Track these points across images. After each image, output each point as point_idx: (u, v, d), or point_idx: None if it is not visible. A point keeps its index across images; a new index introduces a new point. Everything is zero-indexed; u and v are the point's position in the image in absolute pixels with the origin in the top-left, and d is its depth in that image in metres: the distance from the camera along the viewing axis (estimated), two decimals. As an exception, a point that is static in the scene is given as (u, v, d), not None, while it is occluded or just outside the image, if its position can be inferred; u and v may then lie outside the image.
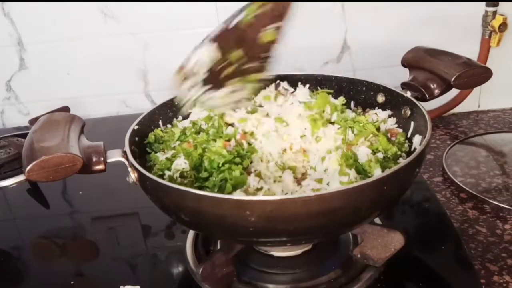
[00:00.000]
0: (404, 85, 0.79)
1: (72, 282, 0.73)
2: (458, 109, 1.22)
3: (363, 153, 0.68)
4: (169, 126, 0.82)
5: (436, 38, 1.11)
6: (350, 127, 0.74)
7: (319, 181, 0.65)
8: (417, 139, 0.71)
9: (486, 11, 1.11)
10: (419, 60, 0.81)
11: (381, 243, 0.68)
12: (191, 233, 0.79)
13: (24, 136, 1.06)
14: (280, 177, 0.66)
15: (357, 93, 0.84)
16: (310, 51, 1.16)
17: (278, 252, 0.73)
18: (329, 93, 0.82)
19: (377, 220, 0.77)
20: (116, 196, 0.93)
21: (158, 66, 1.22)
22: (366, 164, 0.66)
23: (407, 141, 0.74)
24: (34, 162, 0.58)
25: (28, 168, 0.58)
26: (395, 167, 0.57)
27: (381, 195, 0.58)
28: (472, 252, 0.75)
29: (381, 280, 0.68)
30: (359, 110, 0.84)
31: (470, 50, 1.15)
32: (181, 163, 0.68)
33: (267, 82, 0.88)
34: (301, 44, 1.15)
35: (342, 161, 0.66)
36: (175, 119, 0.84)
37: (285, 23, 0.59)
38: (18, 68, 1.23)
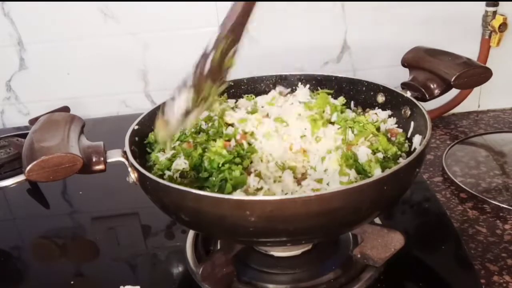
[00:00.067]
0: (404, 85, 0.79)
1: (72, 282, 0.73)
2: (458, 109, 1.22)
3: (363, 153, 0.68)
4: (169, 126, 0.82)
5: (436, 38, 1.11)
6: (350, 127, 0.74)
7: (319, 181, 0.65)
8: (417, 139, 0.71)
9: (486, 11, 1.11)
10: (419, 60, 0.81)
11: (381, 243, 0.68)
12: (191, 233, 0.79)
13: (24, 136, 1.06)
14: (280, 177, 0.66)
15: (357, 93, 0.84)
16: (310, 51, 1.16)
17: (278, 252, 0.73)
18: (329, 94, 0.82)
19: (377, 220, 0.77)
20: (116, 196, 0.93)
21: (158, 66, 1.22)
22: (366, 164, 0.66)
23: (407, 141, 0.74)
24: (34, 162, 0.58)
25: (28, 168, 0.58)
26: (395, 167, 0.57)
27: (381, 195, 0.58)
28: (472, 252, 0.75)
29: (381, 280, 0.68)
30: (359, 110, 0.84)
31: (470, 50, 1.15)
32: (181, 163, 0.68)
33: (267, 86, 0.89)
34: (301, 44, 1.15)
35: (342, 161, 0.66)
36: (175, 119, 0.84)
37: (239, 45, 0.64)
38: (18, 68, 1.23)
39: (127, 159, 0.65)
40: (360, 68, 1.21)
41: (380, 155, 0.69)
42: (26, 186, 1.01)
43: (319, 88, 0.87)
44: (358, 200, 0.56)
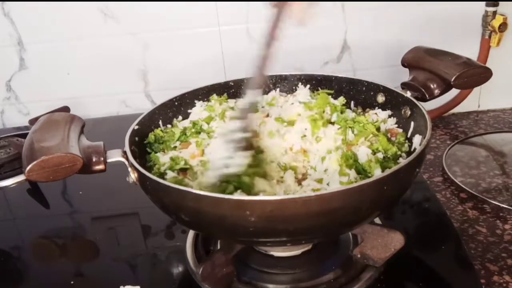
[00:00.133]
0: (404, 85, 0.79)
1: (72, 282, 0.73)
2: (458, 109, 1.22)
3: (363, 153, 0.68)
4: (169, 126, 0.82)
5: (436, 38, 1.11)
6: (350, 127, 0.75)
7: (319, 181, 0.65)
8: (417, 139, 0.71)
9: (486, 11, 1.11)
10: (419, 60, 0.81)
11: (381, 243, 0.68)
12: (191, 233, 0.79)
13: (24, 136, 1.06)
14: (282, 177, 0.66)
15: (357, 93, 0.84)
16: (310, 51, 1.16)
17: (278, 252, 0.73)
18: (329, 94, 0.82)
19: (377, 220, 0.77)
20: (116, 196, 0.93)
21: (158, 66, 1.22)
22: (366, 164, 0.66)
23: (407, 141, 0.74)
24: (34, 162, 0.58)
25: (28, 168, 0.58)
26: (395, 167, 0.57)
27: (381, 195, 0.58)
28: (472, 252, 0.75)
29: (381, 280, 0.68)
30: (359, 110, 0.84)
31: (470, 50, 1.15)
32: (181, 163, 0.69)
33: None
34: (301, 44, 1.15)
35: (342, 161, 0.66)
36: (175, 119, 0.84)
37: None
38: (18, 68, 1.23)
39: (127, 159, 0.65)
40: (360, 68, 1.21)
41: (380, 155, 0.69)
42: (26, 186, 1.01)
43: (319, 88, 0.87)
44: (358, 200, 0.56)
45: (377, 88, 0.82)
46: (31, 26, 1.18)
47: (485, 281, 0.69)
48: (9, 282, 0.77)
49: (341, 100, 0.82)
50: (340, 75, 0.86)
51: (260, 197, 0.59)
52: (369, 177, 0.63)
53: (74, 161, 0.59)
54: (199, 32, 1.18)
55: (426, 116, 0.69)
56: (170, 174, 0.68)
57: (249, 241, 0.67)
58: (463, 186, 0.91)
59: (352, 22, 1.15)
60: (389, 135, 0.75)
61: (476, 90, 1.20)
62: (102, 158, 0.64)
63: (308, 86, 0.86)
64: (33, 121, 1.02)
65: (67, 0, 1.14)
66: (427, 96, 0.76)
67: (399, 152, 0.71)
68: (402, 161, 0.63)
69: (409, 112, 0.76)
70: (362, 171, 0.66)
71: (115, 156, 0.65)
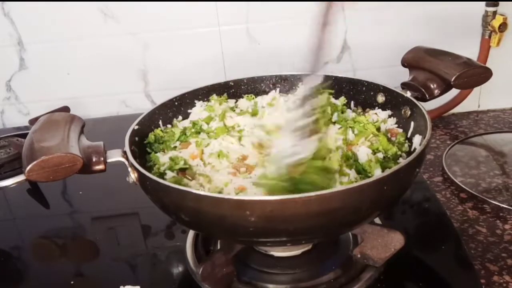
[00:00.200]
0: (404, 85, 0.79)
1: (72, 282, 0.73)
2: (458, 109, 1.22)
3: (363, 153, 0.68)
4: (169, 126, 0.82)
5: (436, 38, 1.11)
6: (350, 127, 0.74)
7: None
8: (417, 139, 0.71)
9: (486, 11, 1.11)
10: (419, 60, 0.81)
11: (381, 243, 0.68)
12: (191, 233, 0.79)
13: (24, 136, 1.06)
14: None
15: (357, 93, 0.84)
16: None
17: (278, 252, 0.73)
18: (329, 94, 0.82)
19: (377, 220, 0.77)
20: (116, 196, 0.93)
21: (158, 66, 1.22)
22: (366, 164, 0.66)
23: (407, 141, 0.74)
24: (34, 162, 0.58)
25: (28, 168, 0.58)
26: (395, 167, 0.57)
27: (381, 195, 0.58)
28: (472, 252, 0.75)
29: (381, 280, 0.68)
30: (359, 110, 0.84)
31: (470, 50, 1.15)
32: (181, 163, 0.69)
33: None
34: (301, 44, 1.15)
35: (342, 161, 0.66)
36: (175, 119, 0.84)
37: None
38: (18, 68, 1.23)
39: (127, 159, 0.65)
40: (360, 68, 1.21)
41: (380, 155, 0.69)
42: (26, 186, 1.01)
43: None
44: (358, 200, 0.56)
45: (377, 88, 0.82)
46: (31, 26, 1.18)
47: (485, 281, 0.69)
48: (9, 282, 0.77)
49: (342, 100, 0.82)
50: (340, 75, 0.86)
51: (260, 197, 0.58)
52: (369, 177, 0.62)
53: (74, 161, 0.59)
54: (199, 32, 1.18)
55: (426, 116, 0.69)
56: (170, 174, 0.68)
57: (249, 241, 0.67)
58: (463, 186, 0.91)
59: (352, 22, 1.15)
60: (389, 135, 0.75)
61: (476, 90, 1.20)
62: (102, 158, 0.64)
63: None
64: (33, 121, 1.03)
65: (67, 0, 1.14)
66: (427, 96, 0.76)
67: (399, 152, 0.71)
68: (402, 161, 0.63)
69: (409, 112, 0.76)
70: (362, 171, 0.66)
71: (115, 156, 0.65)
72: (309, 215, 0.55)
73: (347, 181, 0.63)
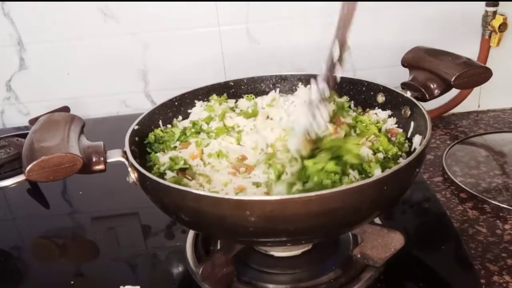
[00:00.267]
0: (404, 85, 0.79)
1: (72, 282, 0.73)
2: (458, 109, 1.22)
3: (364, 153, 0.68)
4: (169, 126, 0.82)
5: (436, 38, 1.11)
6: (352, 126, 0.74)
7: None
8: (417, 139, 0.71)
9: (486, 11, 1.11)
10: (419, 60, 0.81)
11: (381, 243, 0.68)
12: (191, 233, 0.79)
13: (24, 136, 1.06)
14: None
15: (357, 93, 0.84)
16: (310, 51, 1.16)
17: (278, 252, 0.73)
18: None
19: (377, 220, 0.77)
20: (116, 196, 0.93)
21: (158, 66, 1.22)
22: (366, 164, 0.66)
23: (407, 141, 0.74)
24: (34, 162, 0.58)
25: (28, 168, 0.58)
26: (395, 167, 0.57)
27: (381, 195, 0.58)
28: (472, 252, 0.75)
29: (381, 280, 0.68)
30: (359, 110, 0.84)
31: (470, 50, 1.15)
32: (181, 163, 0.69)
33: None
34: (301, 44, 1.15)
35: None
36: (175, 119, 0.84)
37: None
38: (18, 68, 1.23)
39: (127, 159, 0.65)
40: (360, 68, 1.20)
41: (380, 155, 0.69)
42: (26, 186, 1.01)
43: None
44: (358, 200, 0.56)
45: (377, 88, 0.82)
46: (31, 26, 1.18)
47: (485, 281, 0.69)
48: (9, 282, 0.77)
49: (345, 99, 0.82)
50: (340, 75, 0.86)
51: (260, 197, 0.59)
52: (369, 177, 0.62)
53: (74, 161, 0.59)
54: (199, 32, 1.18)
55: (426, 116, 0.69)
56: (170, 174, 0.68)
57: (249, 241, 0.67)
58: (463, 186, 0.91)
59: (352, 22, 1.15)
60: (389, 135, 0.75)
61: (476, 90, 1.20)
62: (102, 158, 0.64)
63: (308, 86, 0.86)
64: (33, 121, 1.03)
65: (67, 0, 1.14)
66: (427, 96, 0.76)
67: (399, 152, 0.71)
68: (402, 161, 0.63)
69: (409, 112, 0.76)
70: (362, 171, 0.66)
71: (115, 156, 0.65)
72: (309, 215, 0.55)
73: (347, 181, 0.63)
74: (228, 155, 0.71)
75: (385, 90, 0.80)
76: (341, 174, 0.63)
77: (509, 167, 0.99)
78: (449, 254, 0.74)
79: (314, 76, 0.68)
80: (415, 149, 0.71)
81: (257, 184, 0.64)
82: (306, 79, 0.88)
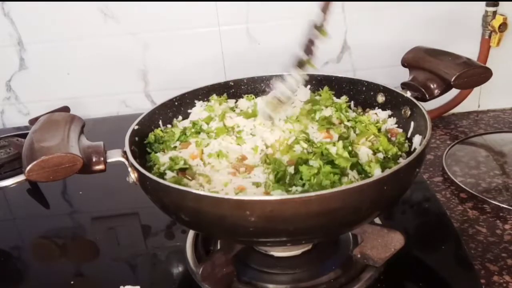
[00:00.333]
0: (404, 85, 0.79)
1: (72, 282, 0.73)
2: (458, 109, 1.22)
3: (363, 153, 0.68)
4: (169, 126, 0.82)
5: (436, 38, 1.11)
6: (352, 127, 0.74)
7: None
8: (417, 139, 0.71)
9: (486, 11, 1.11)
10: (419, 60, 0.81)
11: (381, 243, 0.68)
12: (191, 233, 0.79)
13: (24, 136, 1.06)
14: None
15: (357, 93, 0.84)
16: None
17: (278, 252, 0.73)
18: (330, 93, 0.83)
19: (377, 220, 0.77)
20: (116, 196, 0.93)
21: (158, 66, 1.22)
22: (366, 164, 0.66)
23: (407, 141, 0.74)
24: (34, 162, 0.58)
25: (28, 168, 0.58)
26: (395, 167, 0.57)
27: (381, 195, 0.58)
28: (472, 252, 0.75)
29: (381, 280, 0.68)
30: (359, 110, 0.84)
31: (470, 50, 1.15)
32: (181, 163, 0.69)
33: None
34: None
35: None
36: (175, 119, 0.84)
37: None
38: (18, 68, 1.23)
39: (127, 159, 0.65)
40: (360, 68, 1.21)
41: (380, 155, 0.69)
42: (26, 186, 1.01)
43: (319, 88, 0.87)
44: (358, 200, 0.56)
45: (377, 88, 0.82)
46: (31, 26, 1.18)
47: (485, 281, 0.69)
48: (9, 282, 0.77)
49: (344, 99, 0.82)
50: (340, 75, 0.86)
51: (260, 197, 0.59)
52: (369, 177, 0.62)
53: (74, 161, 0.59)
54: (199, 32, 1.18)
55: (426, 116, 0.69)
56: (170, 174, 0.68)
57: (249, 241, 0.67)
58: (463, 186, 0.91)
59: (352, 22, 1.15)
60: (389, 135, 0.75)
61: (476, 90, 1.20)
62: (102, 158, 0.64)
63: (308, 86, 0.86)
64: (33, 121, 1.03)
65: (67, 0, 1.14)
66: (427, 96, 0.76)
67: (399, 152, 0.71)
68: (402, 161, 0.63)
69: (409, 112, 0.76)
70: (362, 171, 0.66)
71: (115, 156, 0.65)
72: (309, 215, 0.55)
73: (347, 181, 0.63)
74: (228, 155, 0.71)
75: (385, 90, 0.80)
76: (340, 175, 0.63)
77: (509, 167, 0.99)
78: (449, 254, 0.74)
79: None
80: (415, 149, 0.71)
81: (257, 184, 0.64)
82: (306, 79, 0.88)
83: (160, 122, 0.81)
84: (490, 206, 0.86)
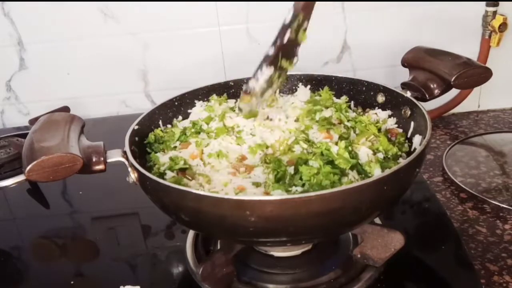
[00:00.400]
0: (404, 85, 0.79)
1: (72, 282, 0.73)
2: (458, 109, 1.22)
3: (363, 153, 0.68)
4: (169, 126, 0.82)
5: (436, 38, 1.11)
6: (352, 127, 0.74)
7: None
8: (417, 139, 0.71)
9: (486, 11, 1.11)
10: (419, 60, 0.81)
11: (381, 243, 0.68)
12: (191, 233, 0.79)
13: (24, 136, 1.06)
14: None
15: (357, 93, 0.84)
16: (310, 51, 1.16)
17: (278, 252, 0.73)
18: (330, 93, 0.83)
19: (377, 220, 0.77)
20: (116, 196, 0.93)
21: (158, 66, 1.22)
22: (366, 164, 0.66)
23: (407, 141, 0.74)
24: (34, 162, 0.58)
25: (28, 168, 0.58)
26: (395, 167, 0.57)
27: (381, 195, 0.58)
28: (472, 252, 0.75)
29: (381, 280, 0.68)
30: (359, 110, 0.84)
31: (470, 50, 1.15)
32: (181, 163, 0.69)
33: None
34: (301, 44, 1.15)
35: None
36: (175, 119, 0.84)
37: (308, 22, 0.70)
38: (18, 68, 1.23)
39: (127, 159, 0.65)
40: (360, 68, 1.21)
41: (380, 155, 0.69)
42: (26, 186, 1.01)
43: (319, 88, 0.87)
44: (358, 200, 0.56)
45: (377, 88, 0.82)
46: (31, 26, 1.18)
47: (485, 281, 0.69)
48: (9, 282, 0.77)
49: (344, 99, 0.82)
50: (340, 75, 0.86)
51: (260, 197, 0.59)
52: (369, 177, 0.62)
53: (74, 161, 0.59)
54: (199, 32, 1.18)
55: (426, 116, 0.69)
56: (170, 174, 0.68)
57: (249, 241, 0.67)
58: (463, 186, 0.91)
59: (352, 22, 1.15)
60: (389, 135, 0.75)
61: (476, 90, 1.20)
62: (102, 158, 0.64)
63: (308, 86, 0.86)
64: (33, 121, 1.03)
65: (67, 0, 1.14)
66: (427, 96, 0.76)
67: (399, 152, 0.71)
68: (402, 161, 0.63)
69: (409, 112, 0.76)
70: (362, 171, 0.66)
71: (115, 156, 0.65)
72: (309, 215, 0.55)
73: (347, 181, 0.63)
74: (228, 155, 0.71)
75: (385, 90, 0.80)
76: (340, 175, 0.63)
77: (509, 167, 0.99)
78: (449, 254, 0.74)
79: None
80: (415, 149, 0.71)
81: (257, 184, 0.64)
82: (306, 79, 0.88)
83: (160, 122, 0.81)
84: (490, 206, 0.86)
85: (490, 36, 1.13)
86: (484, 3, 1.11)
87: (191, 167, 0.70)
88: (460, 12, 1.13)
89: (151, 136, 0.77)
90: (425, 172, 0.98)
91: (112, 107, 1.28)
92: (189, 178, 0.68)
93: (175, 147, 0.76)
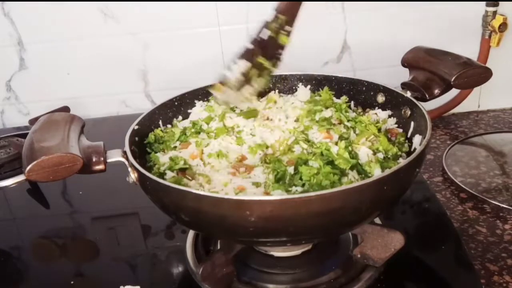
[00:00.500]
0: (404, 85, 0.79)
1: (72, 282, 0.73)
2: (458, 109, 1.22)
3: (363, 153, 0.68)
4: (169, 126, 0.82)
5: (436, 38, 1.11)
6: (352, 127, 0.74)
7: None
8: (417, 139, 0.71)
9: (486, 11, 1.11)
10: (419, 60, 0.81)
11: (381, 243, 0.68)
12: (191, 233, 0.79)
13: (24, 136, 1.06)
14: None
15: (357, 93, 0.84)
16: (310, 51, 1.16)
17: (278, 252, 0.73)
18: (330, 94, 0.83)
19: (377, 220, 0.77)
20: (116, 196, 0.93)
21: (158, 66, 1.22)
22: (366, 164, 0.66)
23: (407, 141, 0.74)
24: (34, 162, 0.58)
25: (28, 168, 0.58)
26: (395, 167, 0.57)
27: (381, 195, 0.58)
28: (472, 252, 0.75)
29: (381, 280, 0.68)
30: (359, 110, 0.84)
31: (470, 50, 1.15)
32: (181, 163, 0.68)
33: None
34: (301, 44, 1.15)
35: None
36: (175, 119, 0.84)
37: (293, 28, 0.71)
38: (18, 68, 1.23)
39: (127, 159, 0.65)
40: (360, 68, 1.21)
41: (380, 155, 0.69)
42: (26, 186, 1.01)
43: (319, 88, 0.87)
44: (358, 200, 0.56)
45: (377, 88, 0.82)
46: (31, 26, 1.18)
47: (485, 281, 0.69)
48: (9, 282, 0.77)
49: (344, 99, 0.82)
50: (340, 75, 0.86)
51: (260, 197, 0.59)
52: (369, 177, 0.62)
53: (74, 161, 0.59)
54: (199, 32, 1.18)
55: (426, 116, 0.69)
56: (170, 174, 0.68)
57: (249, 241, 0.67)
58: (463, 186, 0.91)
59: (352, 22, 1.15)
60: (389, 135, 0.75)
61: (476, 90, 1.20)
62: (102, 158, 0.64)
63: (308, 86, 0.86)
64: (33, 121, 1.03)
65: (67, 0, 1.14)
66: (427, 96, 0.76)
67: (399, 152, 0.71)
68: (402, 161, 0.63)
69: (409, 112, 0.76)
70: (362, 171, 0.66)
71: (115, 156, 0.65)
72: (309, 215, 0.55)
73: (347, 181, 0.63)
74: (228, 155, 0.71)
75: (385, 90, 0.80)
76: (340, 175, 0.63)
77: (509, 167, 0.99)
78: (449, 254, 0.74)
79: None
80: (415, 149, 0.71)
81: (257, 184, 0.64)
82: (306, 79, 0.88)
83: (160, 122, 0.81)
84: (490, 206, 0.86)
85: (490, 36, 1.13)
86: (484, 3, 1.11)
87: (191, 167, 0.70)
88: (460, 12, 1.13)
89: (151, 136, 0.77)
90: (425, 172, 0.98)
91: (112, 107, 1.28)
92: (189, 178, 0.68)
93: (175, 147, 0.76)
